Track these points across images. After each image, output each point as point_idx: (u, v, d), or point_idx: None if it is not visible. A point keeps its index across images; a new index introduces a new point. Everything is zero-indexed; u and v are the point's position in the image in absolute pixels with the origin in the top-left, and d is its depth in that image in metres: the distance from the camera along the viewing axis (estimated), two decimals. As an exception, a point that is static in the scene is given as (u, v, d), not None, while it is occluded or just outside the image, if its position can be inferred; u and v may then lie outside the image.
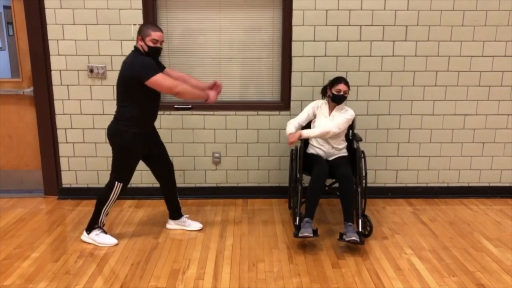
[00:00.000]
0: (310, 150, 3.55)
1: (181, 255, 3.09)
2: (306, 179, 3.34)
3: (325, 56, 3.88)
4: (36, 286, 2.70)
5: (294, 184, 3.52)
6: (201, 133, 4.02)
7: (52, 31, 3.79)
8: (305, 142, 3.53)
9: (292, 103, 3.96)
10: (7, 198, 4.09)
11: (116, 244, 3.22)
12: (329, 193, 3.71)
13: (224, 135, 4.04)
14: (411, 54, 3.90)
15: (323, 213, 3.82)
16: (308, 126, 3.56)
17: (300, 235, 3.08)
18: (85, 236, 3.26)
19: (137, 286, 2.72)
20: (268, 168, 4.12)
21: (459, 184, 4.19)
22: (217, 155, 4.07)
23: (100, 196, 3.20)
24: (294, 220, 3.27)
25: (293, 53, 3.87)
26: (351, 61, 3.89)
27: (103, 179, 3.20)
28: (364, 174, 3.42)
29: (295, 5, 3.78)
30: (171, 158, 3.42)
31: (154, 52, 3.06)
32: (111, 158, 3.20)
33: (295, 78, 3.92)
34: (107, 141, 3.19)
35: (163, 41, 3.09)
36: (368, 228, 3.30)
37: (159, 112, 3.50)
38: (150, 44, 3.02)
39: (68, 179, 4.09)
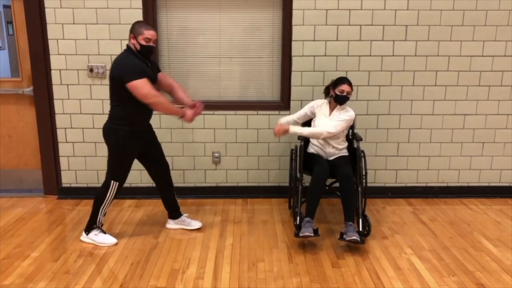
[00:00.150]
0: (310, 149, 3.55)
1: (180, 255, 3.09)
2: (306, 179, 3.34)
3: (325, 55, 3.88)
4: (36, 286, 2.70)
5: (294, 183, 3.52)
6: (201, 132, 4.02)
7: (52, 31, 3.79)
8: (306, 141, 3.53)
9: (292, 103, 3.96)
10: (6, 198, 4.08)
11: (116, 244, 3.22)
12: (329, 193, 3.71)
13: (224, 135, 4.03)
14: (411, 54, 3.89)
15: (323, 212, 3.81)
16: (307, 124, 3.56)
17: (301, 234, 3.08)
18: (84, 237, 3.26)
19: (137, 285, 2.72)
20: (268, 168, 4.12)
21: (459, 184, 4.19)
22: (217, 154, 4.07)
23: (97, 195, 3.19)
24: (295, 220, 3.27)
25: (293, 52, 3.87)
26: (351, 61, 3.89)
27: (103, 178, 3.20)
28: (364, 174, 3.43)
29: (295, 4, 3.77)
30: (171, 158, 3.42)
31: (147, 51, 3.01)
32: (108, 158, 3.20)
33: (295, 78, 3.92)
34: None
35: (156, 39, 3.05)
36: (367, 228, 3.30)
37: (159, 112, 3.49)
38: (143, 42, 2.98)
39: (67, 179, 4.09)
